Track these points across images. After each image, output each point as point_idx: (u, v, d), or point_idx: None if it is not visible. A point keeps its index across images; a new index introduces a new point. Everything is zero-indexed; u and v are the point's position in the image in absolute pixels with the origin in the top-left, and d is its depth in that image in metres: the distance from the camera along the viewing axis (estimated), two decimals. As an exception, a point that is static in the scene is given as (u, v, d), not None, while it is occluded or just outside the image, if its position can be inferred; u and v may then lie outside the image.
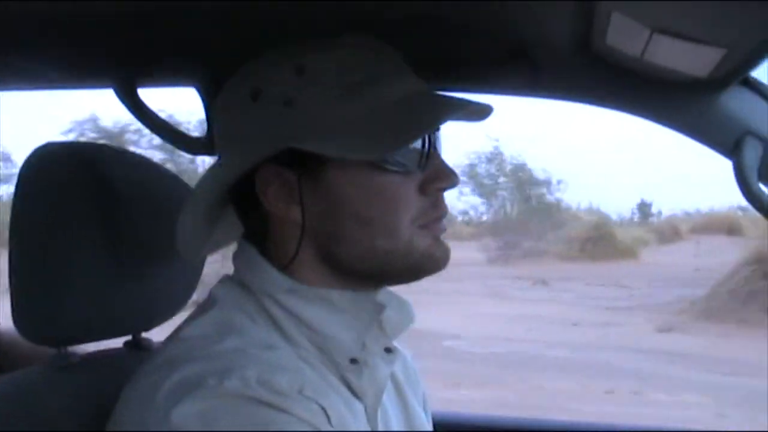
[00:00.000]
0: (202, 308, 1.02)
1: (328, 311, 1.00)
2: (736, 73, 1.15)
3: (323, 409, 0.91)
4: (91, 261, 1.08)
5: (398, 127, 0.97)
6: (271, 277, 1.01)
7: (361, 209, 0.99)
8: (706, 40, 1.01)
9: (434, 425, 1.25)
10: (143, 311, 1.21)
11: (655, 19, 1.00)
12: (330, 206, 0.99)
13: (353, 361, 1.00)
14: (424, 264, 1.03)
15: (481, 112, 1.05)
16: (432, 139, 1.03)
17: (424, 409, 1.23)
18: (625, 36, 1.09)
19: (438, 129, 1.04)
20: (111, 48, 1.36)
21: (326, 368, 0.99)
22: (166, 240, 1.03)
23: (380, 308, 1.02)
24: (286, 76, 0.99)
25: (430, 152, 1.02)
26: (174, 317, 1.23)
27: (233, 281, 1.04)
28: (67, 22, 1.22)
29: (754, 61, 1.10)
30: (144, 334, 1.26)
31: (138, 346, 1.25)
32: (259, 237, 1.05)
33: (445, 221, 1.05)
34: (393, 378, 1.16)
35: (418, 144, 1.01)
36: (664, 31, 1.02)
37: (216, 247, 1.13)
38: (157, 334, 1.23)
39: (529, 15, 1.11)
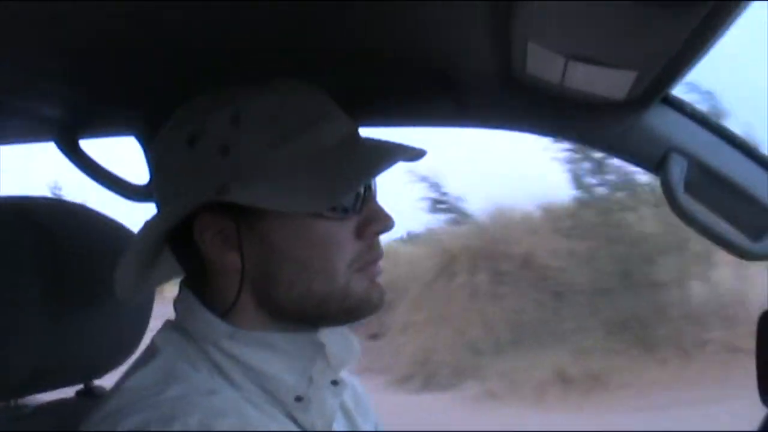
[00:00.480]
0: (145, 358, 1.03)
1: (270, 353, 1.01)
2: (653, 93, 1.19)
3: None
4: (35, 311, 1.08)
5: (334, 178, 0.99)
6: (212, 323, 1.02)
7: (298, 254, 1.00)
8: (616, 64, 1.05)
9: None
10: (92, 358, 1.22)
11: (566, 47, 1.04)
12: (267, 252, 1.00)
13: (298, 398, 1.01)
14: (360, 307, 1.04)
15: (416, 156, 1.05)
16: (369, 184, 1.05)
17: None
18: (543, 64, 1.12)
19: None
20: (51, 103, 1.38)
21: (272, 407, 1.00)
22: (112, 286, 1.04)
23: (320, 347, 1.03)
24: (222, 123, 0.99)
25: (366, 196, 1.04)
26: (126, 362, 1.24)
27: (175, 328, 1.05)
28: (7, 80, 1.24)
29: (667, 81, 1.14)
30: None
31: (90, 394, 1.26)
32: (199, 282, 1.05)
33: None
34: (343, 407, 1.17)
35: None
36: (577, 58, 1.05)
37: (156, 284, 1.14)
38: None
39: (449, 47, 1.14)
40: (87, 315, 1.16)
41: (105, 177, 1.47)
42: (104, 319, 1.20)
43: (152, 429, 0.88)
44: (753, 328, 1.26)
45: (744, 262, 1.10)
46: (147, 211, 1.38)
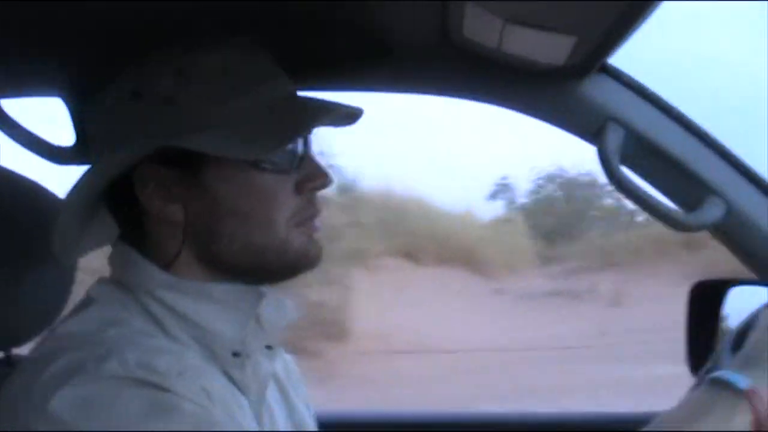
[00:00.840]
0: (79, 308, 1.01)
1: (207, 304, 1.01)
2: (591, 61, 1.18)
3: (205, 390, 0.92)
4: None
5: (275, 129, 1.00)
6: (149, 273, 1.01)
7: (238, 207, 1.01)
8: (555, 29, 1.04)
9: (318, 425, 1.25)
10: (12, 326, 1.18)
11: (506, 9, 1.02)
12: (208, 204, 1.01)
13: (236, 354, 1.01)
14: (298, 261, 1.05)
15: (353, 116, 1.08)
16: (307, 141, 1.06)
17: (308, 410, 1.24)
18: (481, 27, 1.10)
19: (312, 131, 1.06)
20: None
21: (209, 363, 0.99)
22: (33, 251, 1.01)
23: (259, 298, 1.03)
24: (166, 77, 1.00)
25: (306, 153, 1.05)
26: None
27: (110, 281, 1.04)
28: None
29: (606, 48, 1.13)
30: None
31: (9, 363, 1.22)
32: (136, 237, 1.04)
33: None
34: (275, 377, 1.16)
35: (294, 145, 1.03)
36: (515, 21, 1.04)
37: (90, 249, 1.11)
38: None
39: (386, 8, 1.12)
40: (8, 282, 1.12)
41: (27, 138, 1.41)
42: (25, 286, 1.16)
43: (88, 365, 0.87)
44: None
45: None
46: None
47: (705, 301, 1.35)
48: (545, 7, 0.99)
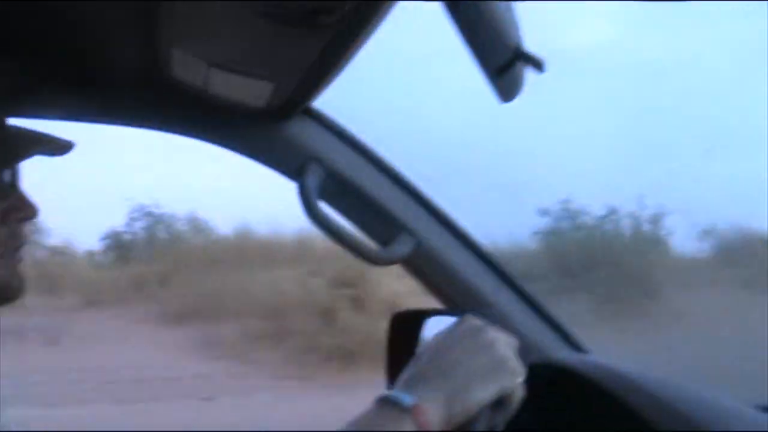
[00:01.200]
0: None
1: None
2: (293, 104, 1.26)
3: None
4: None
5: None
6: None
7: None
8: (253, 75, 1.10)
9: None
10: None
11: (208, 54, 1.08)
12: None
13: None
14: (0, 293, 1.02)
15: (64, 148, 1.07)
16: (15, 171, 1.04)
17: None
18: (187, 69, 1.15)
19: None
20: None
21: None
22: None
23: None
24: None
25: (13, 183, 1.03)
26: None
27: None
28: None
29: (305, 94, 1.22)
30: None
31: None
32: None
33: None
34: None
35: (1, 174, 1.01)
36: (218, 66, 1.10)
37: None
38: None
39: (100, 45, 1.14)
40: None
41: None
42: None
43: None
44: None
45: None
46: None
47: (404, 329, 1.46)
48: (242, 55, 1.06)
